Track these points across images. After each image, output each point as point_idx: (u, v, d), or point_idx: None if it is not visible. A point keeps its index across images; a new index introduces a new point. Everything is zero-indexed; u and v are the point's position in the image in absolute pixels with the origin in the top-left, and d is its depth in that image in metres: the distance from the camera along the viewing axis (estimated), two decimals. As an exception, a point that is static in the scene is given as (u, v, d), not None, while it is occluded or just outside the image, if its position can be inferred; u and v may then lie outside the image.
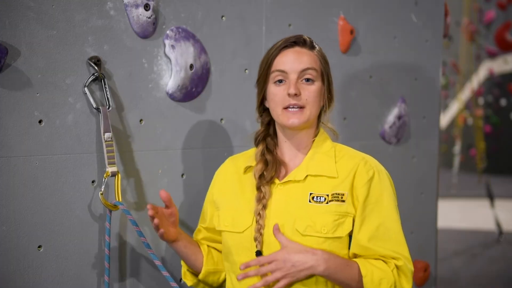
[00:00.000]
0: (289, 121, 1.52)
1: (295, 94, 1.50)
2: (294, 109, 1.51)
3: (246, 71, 1.99)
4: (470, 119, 9.52)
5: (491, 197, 6.53)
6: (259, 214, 1.52)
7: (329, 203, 1.49)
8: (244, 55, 1.98)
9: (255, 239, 1.51)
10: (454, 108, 10.86)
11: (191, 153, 1.85)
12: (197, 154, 1.87)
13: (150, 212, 1.51)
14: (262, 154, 1.59)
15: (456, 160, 9.18)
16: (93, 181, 1.63)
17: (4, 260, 1.47)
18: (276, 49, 1.54)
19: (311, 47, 1.56)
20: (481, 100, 9.54)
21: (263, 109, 1.61)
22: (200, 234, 1.72)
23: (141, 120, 1.74)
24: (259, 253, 1.50)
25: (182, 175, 1.86)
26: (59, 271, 1.57)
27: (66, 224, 1.58)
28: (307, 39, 1.57)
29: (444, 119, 11.08)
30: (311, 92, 1.52)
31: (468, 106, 9.70)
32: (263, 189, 1.54)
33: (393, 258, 1.48)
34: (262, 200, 1.54)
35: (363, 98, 2.36)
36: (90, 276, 1.63)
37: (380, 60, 2.40)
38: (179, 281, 1.84)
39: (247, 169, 1.62)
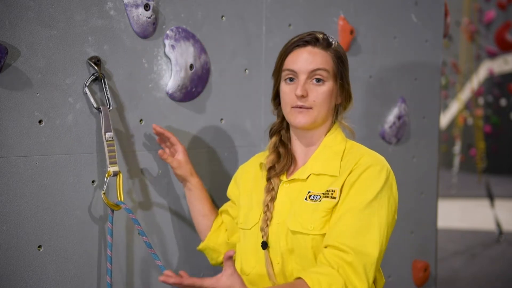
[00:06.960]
0: (296, 120, 1.51)
1: (302, 96, 1.49)
2: (302, 109, 1.50)
3: (246, 71, 1.99)
4: (470, 119, 9.52)
5: (491, 197, 6.52)
6: (267, 205, 1.52)
7: (321, 200, 1.45)
8: (244, 55, 1.98)
9: (262, 230, 1.51)
10: (454, 108, 10.86)
11: (191, 153, 1.85)
12: (197, 154, 1.87)
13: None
14: (275, 147, 1.59)
15: (456, 160, 9.17)
16: (93, 181, 1.63)
17: (4, 260, 1.47)
18: (289, 47, 1.52)
19: (325, 46, 1.52)
20: (481, 100, 9.53)
21: (278, 101, 1.59)
22: (226, 206, 1.76)
23: (141, 120, 1.74)
24: (264, 244, 1.50)
25: (182, 175, 1.85)
26: (59, 271, 1.57)
27: (66, 224, 1.58)
28: (321, 38, 1.52)
29: (444, 119, 11.08)
30: (319, 93, 1.50)
31: (468, 106, 9.70)
32: (272, 180, 1.55)
33: (342, 251, 1.35)
34: (271, 192, 1.54)
35: (363, 98, 2.36)
36: (90, 276, 1.63)
37: (380, 60, 2.40)
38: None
39: (261, 165, 1.62)
